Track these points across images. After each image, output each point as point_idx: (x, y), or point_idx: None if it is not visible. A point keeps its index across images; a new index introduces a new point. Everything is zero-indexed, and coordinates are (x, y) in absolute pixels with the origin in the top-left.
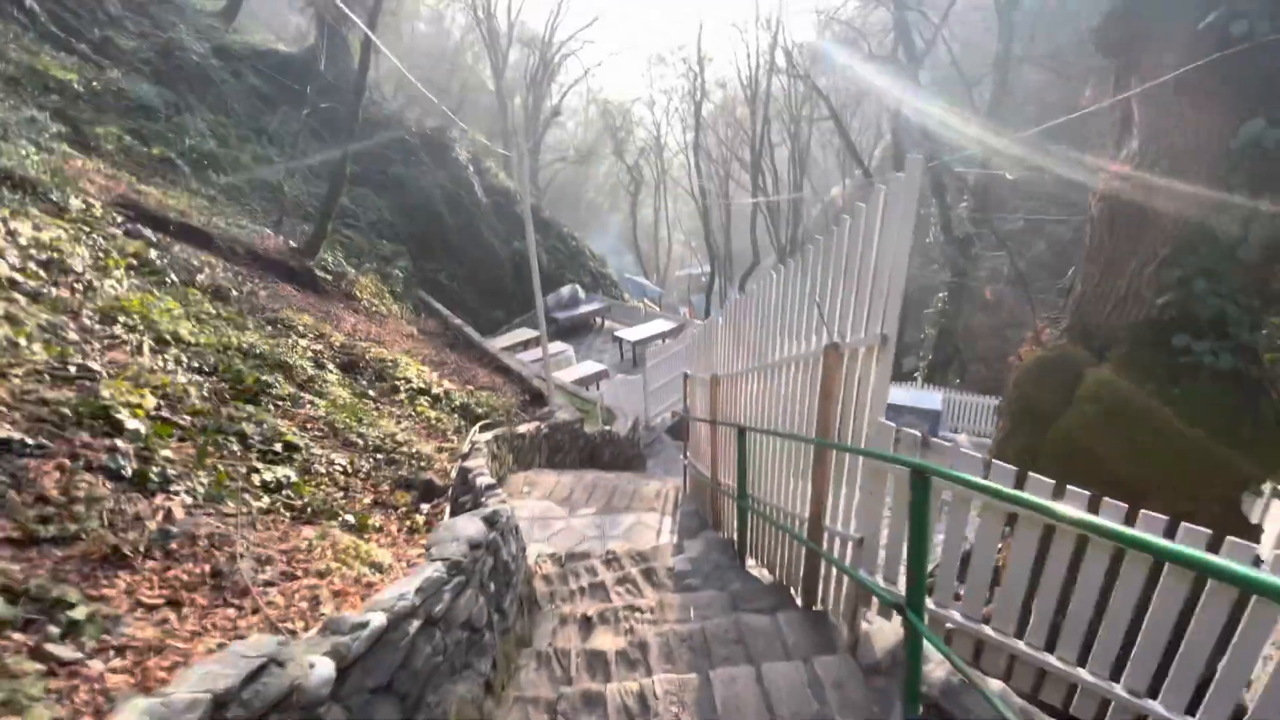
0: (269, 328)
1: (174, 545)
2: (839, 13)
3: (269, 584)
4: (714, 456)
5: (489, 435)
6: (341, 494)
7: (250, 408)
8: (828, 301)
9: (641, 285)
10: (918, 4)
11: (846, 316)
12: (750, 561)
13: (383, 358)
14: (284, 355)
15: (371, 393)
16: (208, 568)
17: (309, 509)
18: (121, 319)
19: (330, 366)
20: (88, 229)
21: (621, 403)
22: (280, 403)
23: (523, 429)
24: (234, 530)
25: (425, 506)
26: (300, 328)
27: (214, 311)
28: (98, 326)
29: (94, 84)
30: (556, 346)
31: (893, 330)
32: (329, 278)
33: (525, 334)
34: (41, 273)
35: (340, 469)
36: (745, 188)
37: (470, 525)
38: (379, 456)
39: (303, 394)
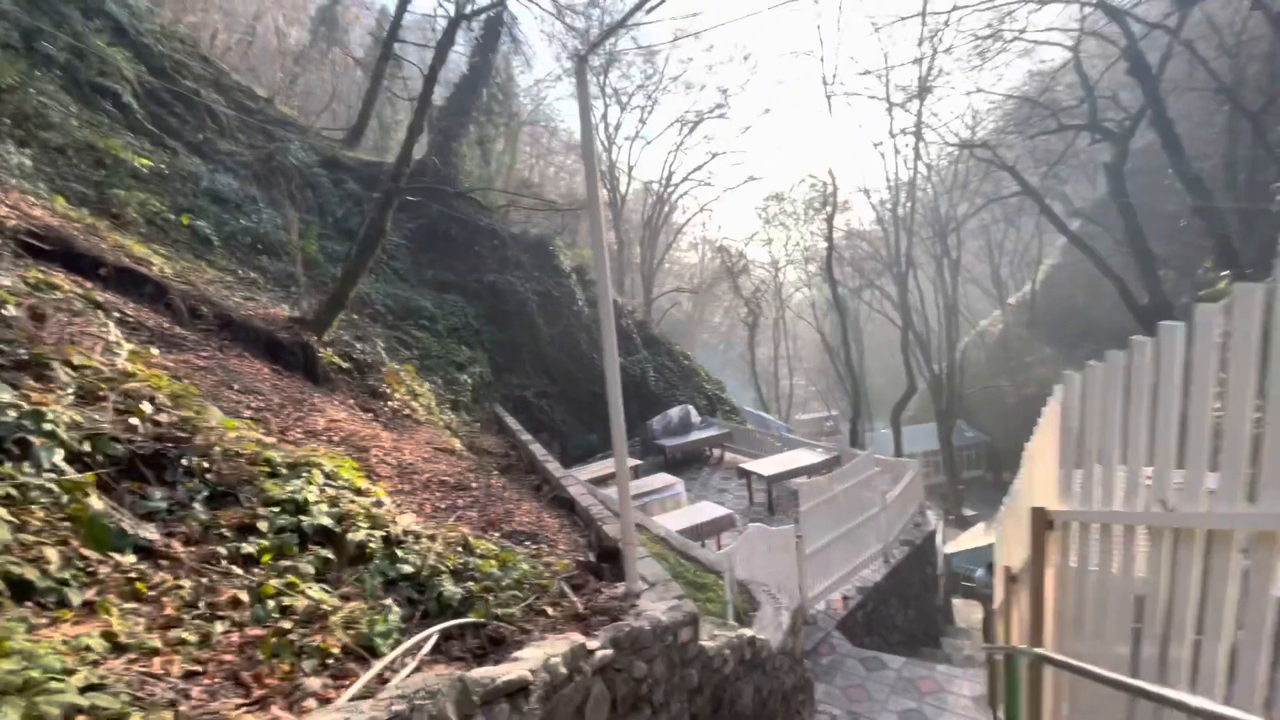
0: None
1: None
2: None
3: None
4: None
5: (396, 691)
6: None
7: None
8: None
9: (765, 419)
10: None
11: None
12: None
13: (268, 458)
14: None
15: (144, 533)
16: None
17: None
18: None
19: (52, 446)
20: None
21: (756, 570)
22: None
23: (528, 660)
24: None
25: None
26: (69, 377)
27: None
28: None
29: (162, 168)
30: (660, 479)
31: None
32: (345, 364)
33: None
34: None
35: None
36: (883, 314)
37: None
38: None
39: None
